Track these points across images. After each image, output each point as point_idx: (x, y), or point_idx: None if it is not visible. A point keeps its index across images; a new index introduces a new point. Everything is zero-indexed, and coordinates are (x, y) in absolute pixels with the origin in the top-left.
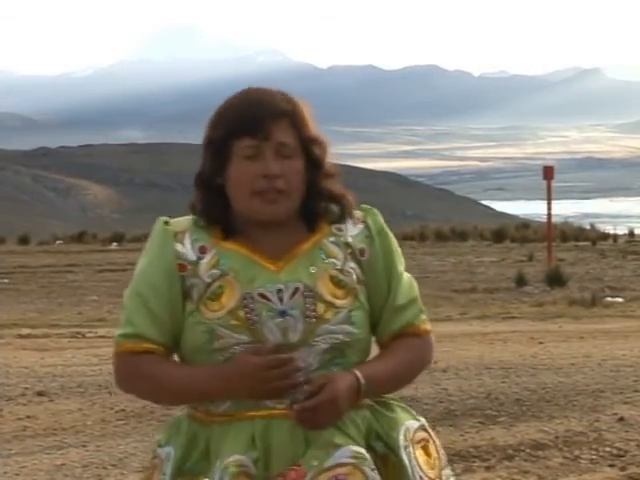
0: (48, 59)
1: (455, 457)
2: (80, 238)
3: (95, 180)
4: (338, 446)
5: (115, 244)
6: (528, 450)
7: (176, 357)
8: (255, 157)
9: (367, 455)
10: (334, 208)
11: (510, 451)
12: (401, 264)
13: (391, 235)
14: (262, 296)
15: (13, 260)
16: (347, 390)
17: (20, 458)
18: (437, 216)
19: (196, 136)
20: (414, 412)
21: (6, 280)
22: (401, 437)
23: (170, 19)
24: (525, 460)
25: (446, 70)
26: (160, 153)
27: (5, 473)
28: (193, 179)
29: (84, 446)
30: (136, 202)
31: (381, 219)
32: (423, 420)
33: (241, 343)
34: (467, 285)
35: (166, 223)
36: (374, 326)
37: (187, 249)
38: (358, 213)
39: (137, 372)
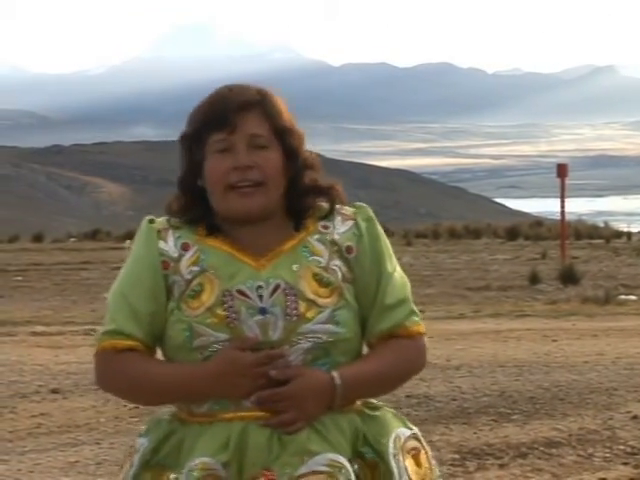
0: (62, 57)
1: (468, 455)
2: (94, 235)
3: (109, 178)
4: (314, 453)
5: (129, 241)
6: (542, 448)
7: (160, 355)
8: (226, 150)
9: (346, 464)
10: (323, 203)
11: (524, 449)
12: (391, 263)
13: (381, 233)
14: (241, 293)
15: (27, 258)
16: (315, 388)
17: (34, 455)
18: (450, 214)
19: None
20: (406, 420)
21: (20, 278)
22: (391, 444)
23: (183, 17)
24: (539, 458)
25: (460, 67)
26: (174, 151)
27: (19, 470)
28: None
29: (98, 443)
30: (150, 200)
31: (372, 217)
32: (415, 429)
33: (220, 341)
34: (480, 283)
35: (151, 221)
36: (363, 327)
37: (170, 246)
38: (349, 210)
39: (118, 369)
